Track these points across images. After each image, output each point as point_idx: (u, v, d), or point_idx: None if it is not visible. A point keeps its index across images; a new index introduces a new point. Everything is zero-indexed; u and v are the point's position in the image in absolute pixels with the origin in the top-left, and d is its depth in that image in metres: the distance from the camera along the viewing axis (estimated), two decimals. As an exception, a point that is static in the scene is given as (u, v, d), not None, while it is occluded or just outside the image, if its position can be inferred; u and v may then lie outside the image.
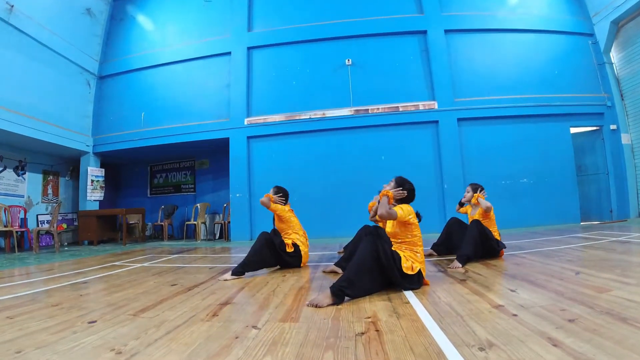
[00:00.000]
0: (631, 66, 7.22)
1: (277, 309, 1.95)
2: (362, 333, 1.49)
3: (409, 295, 2.14)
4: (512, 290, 2.09)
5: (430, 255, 3.75)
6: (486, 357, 1.18)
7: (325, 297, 2.00)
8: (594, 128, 7.52)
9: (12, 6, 6.80)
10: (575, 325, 1.43)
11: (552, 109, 7.10)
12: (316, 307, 1.92)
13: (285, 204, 3.53)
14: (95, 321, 1.81)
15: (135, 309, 2.04)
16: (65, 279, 3.29)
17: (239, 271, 2.93)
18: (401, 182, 2.49)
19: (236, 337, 1.50)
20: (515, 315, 1.63)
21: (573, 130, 7.30)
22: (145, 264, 4.21)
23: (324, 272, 3.09)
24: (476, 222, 3.24)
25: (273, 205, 3.42)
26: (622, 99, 7.42)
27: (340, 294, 1.98)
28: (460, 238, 3.26)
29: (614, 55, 7.58)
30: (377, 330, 1.52)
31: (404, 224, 2.35)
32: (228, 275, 2.90)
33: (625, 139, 7.27)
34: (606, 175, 7.32)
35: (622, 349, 1.17)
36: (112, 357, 1.31)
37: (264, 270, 3.25)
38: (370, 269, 2.10)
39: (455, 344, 1.31)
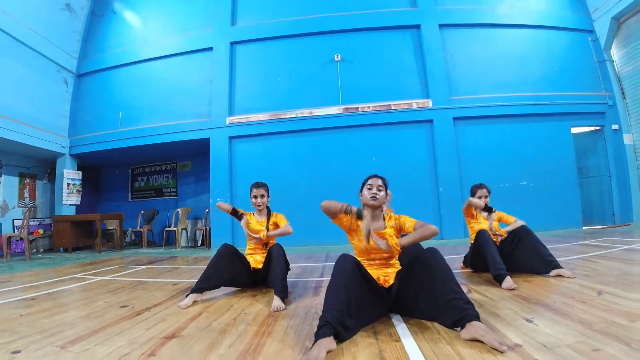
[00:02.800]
0: (633, 64, 6.94)
1: (233, 348, 1.52)
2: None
3: (399, 324, 1.72)
4: (528, 321, 1.68)
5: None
6: None
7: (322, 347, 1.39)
8: (595, 128, 7.20)
9: None
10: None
11: (552, 107, 6.76)
12: None
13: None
14: (19, 351, 1.58)
15: (66, 339, 1.72)
16: (15, 294, 2.99)
17: (195, 289, 2.44)
18: (386, 183, 2.09)
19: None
20: (537, 360, 1.23)
21: (574, 130, 6.97)
22: (107, 277, 3.76)
23: None
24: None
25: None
26: (624, 98, 7.12)
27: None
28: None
29: (615, 53, 7.29)
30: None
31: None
32: (189, 300, 2.39)
33: (627, 139, 6.98)
34: (608, 177, 7.00)
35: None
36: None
37: (233, 290, 2.80)
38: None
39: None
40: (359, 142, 6.61)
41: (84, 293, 2.94)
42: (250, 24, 7.44)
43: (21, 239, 7.30)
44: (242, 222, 2.82)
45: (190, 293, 2.41)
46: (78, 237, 7.59)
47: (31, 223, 7.98)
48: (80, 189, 8.38)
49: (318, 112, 6.70)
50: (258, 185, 2.92)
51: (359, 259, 2.00)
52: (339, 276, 1.63)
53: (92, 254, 7.03)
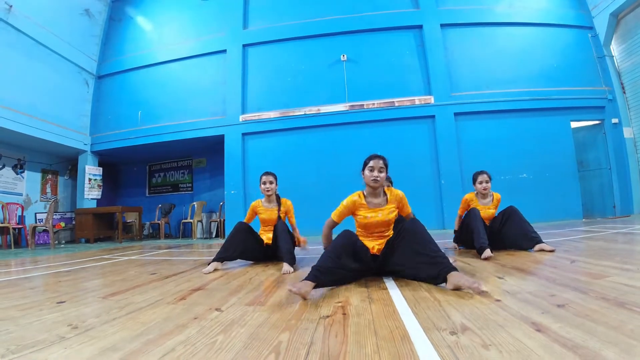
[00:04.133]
0: (632, 59, 7.07)
1: (247, 294, 1.86)
2: (327, 316, 1.39)
3: (389, 281, 2.04)
4: (499, 278, 1.97)
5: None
6: (456, 341, 1.05)
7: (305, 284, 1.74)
8: (595, 122, 7.34)
9: (11, 6, 6.91)
10: (564, 310, 1.29)
11: (552, 102, 6.94)
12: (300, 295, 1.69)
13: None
14: (64, 301, 1.84)
15: (106, 293, 2.04)
16: (50, 269, 3.31)
17: (216, 258, 2.81)
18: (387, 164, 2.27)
19: (195, 318, 1.42)
20: (498, 300, 1.50)
21: (574, 124, 7.13)
22: (133, 257, 4.15)
23: None
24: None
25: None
26: (624, 92, 7.25)
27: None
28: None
29: (614, 48, 7.42)
30: (343, 314, 1.42)
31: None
32: (211, 267, 2.77)
33: (627, 132, 7.09)
34: (608, 170, 7.14)
35: (618, 334, 1.02)
36: (66, 331, 1.32)
37: (249, 263, 3.15)
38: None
39: (425, 328, 1.19)
40: (364, 138, 6.93)
41: (115, 267, 3.32)
42: (261, 27, 7.84)
43: (45, 230, 7.84)
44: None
45: (212, 262, 2.77)
46: (99, 228, 8.09)
47: (54, 216, 8.50)
48: (101, 184, 8.88)
49: (325, 109, 7.05)
50: (267, 173, 3.22)
51: (359, 231, 2.31)
52: (334, 245, 1.98)
53: (113, 244, 7.50)
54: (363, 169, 2.23)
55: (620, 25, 7.24)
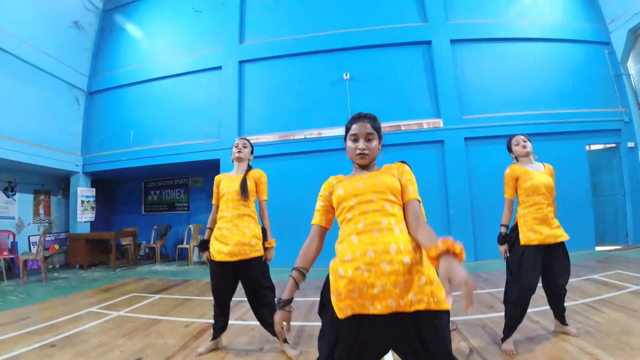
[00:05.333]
0: None
1: None
2: None
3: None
4: None
5: None
6: None
7: None
8: (611, 145, 7.01)
9: None
10: None
11: (567, 125, 6.58)
12: None
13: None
14: None
15: None
16: (36, 337, 3.11)
17: (214, 336, 2.57)
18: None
19: None
20: None
21: (588, 147, 6.81)
22: (122, 312, 3.87)
23: None
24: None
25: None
26: None
27: None
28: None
29: (632, 66, 7.08)
30: None
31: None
32: (203, 348, 2.52)
33: (644, 156, 6.79)
34: (623, 196, 6.82)
35: None
36: None
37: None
38: None
39: None
40: (368, 164, 6.57)
41: (101, 339, 3.02)
42: (258, 42, 7.45)
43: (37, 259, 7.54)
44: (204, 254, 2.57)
45: (212, 340, 2.59)
46: (93, 253, 7.79)
47: (47, 239, 8.19)
48: (94, 205, 8.56)
49: (327, 132, 6.68)
50: (242, 137, 2.74)
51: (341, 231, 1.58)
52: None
53: (107, 270, 7.23)
54: (345, 138, 1.47)
55: (638, 42, 6.90)
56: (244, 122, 7.14)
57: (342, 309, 1.14)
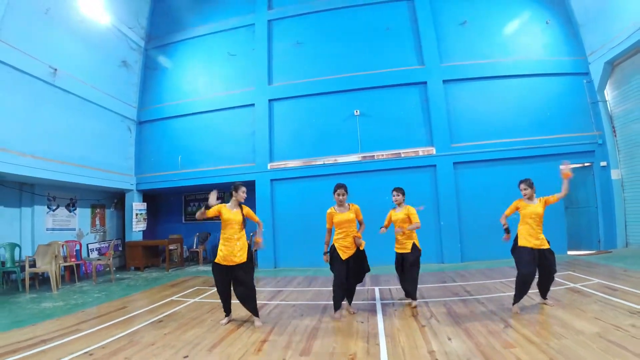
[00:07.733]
0: (625, 104, 7.52)
1: (298, 345, 2.99)
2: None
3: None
4: (449, 339, 3.06)
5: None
6: None
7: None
8: (586, 164, 8.01)
9: (56, 69, 7.61)
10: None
11: (545, 150, 7.68)
12: None
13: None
14: (187, 356, 3.01)
15: (208, 346, 3.21)
16: (143, 318, 4.38)
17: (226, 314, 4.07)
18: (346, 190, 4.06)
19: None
20: None
21: (563, 168, 7.99)
22: (197, 299, 5.33)
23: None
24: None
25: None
26: (615, 135, 7.84)
27: None
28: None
29: (608, 92, 7.94)
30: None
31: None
32: (225, 320, 4.01)
33: (615, 174, 7.76)
34: (595, 208, 7.89)
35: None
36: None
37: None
38: None
39: None
40: (374, 184, 7.97)
41: (191, 314, 4.44)
42: (284, 83, 9.03)
43: (99, 260, 9.05)
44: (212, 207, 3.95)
45: (225, 317, 4.06)
46: (147, 257, 9.41)
47: (102, 245, 9.83)
48: (145, 217, 10.21)
49: (341, 159, 8.23)
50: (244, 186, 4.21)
51: (336, 231, 4.00)
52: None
53: (161, 271, 8.74)
54: (334, 192, 4.03)
55: (616, 72, 7.75)
56: (274, 150, 8.72)
57: (343, 255, 3.94)
